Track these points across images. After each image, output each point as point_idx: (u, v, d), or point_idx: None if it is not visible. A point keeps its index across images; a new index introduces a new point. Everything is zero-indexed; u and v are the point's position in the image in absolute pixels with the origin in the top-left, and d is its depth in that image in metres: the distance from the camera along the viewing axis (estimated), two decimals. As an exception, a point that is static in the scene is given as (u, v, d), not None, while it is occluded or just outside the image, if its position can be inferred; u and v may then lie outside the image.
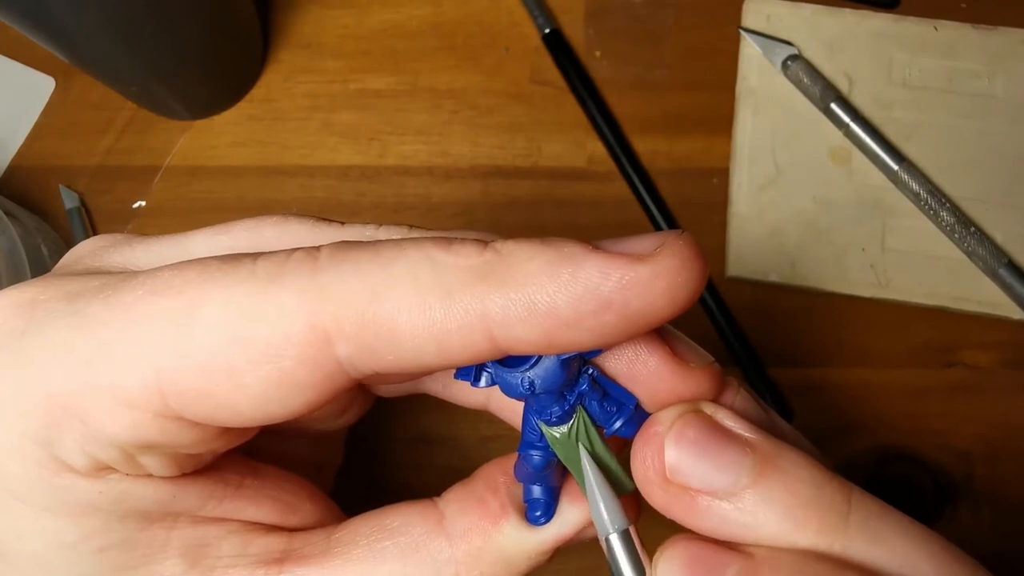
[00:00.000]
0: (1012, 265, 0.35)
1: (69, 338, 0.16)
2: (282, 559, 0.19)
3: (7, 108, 0.38)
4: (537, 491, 0.19)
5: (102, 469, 0.17)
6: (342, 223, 0.20)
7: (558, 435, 0.18)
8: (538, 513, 0.19)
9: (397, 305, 0.15)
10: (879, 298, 0.35)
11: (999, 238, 0.35)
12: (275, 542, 0.20)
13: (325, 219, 0.20)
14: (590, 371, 0.18)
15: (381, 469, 0.34)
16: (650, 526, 0.19)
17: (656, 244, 0.15)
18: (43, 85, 0.38)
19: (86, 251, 0.20)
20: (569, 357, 0.17)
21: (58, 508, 0.17)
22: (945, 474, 0.35)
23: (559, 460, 0.18)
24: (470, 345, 0.15)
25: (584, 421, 0.18)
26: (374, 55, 0.39)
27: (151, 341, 0.16)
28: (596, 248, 0.15)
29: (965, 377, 0.35)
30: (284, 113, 0.38)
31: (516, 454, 0.20)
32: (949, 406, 0.35)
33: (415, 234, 0.19)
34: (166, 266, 0.17)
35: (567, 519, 0.19)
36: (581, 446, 0.18)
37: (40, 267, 0.33)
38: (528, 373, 0.17)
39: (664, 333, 0.18)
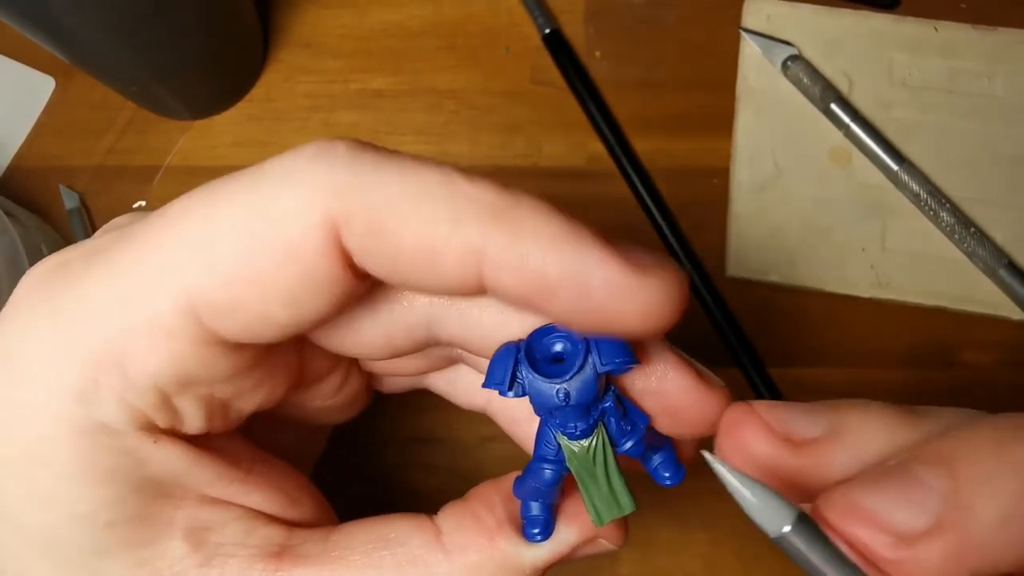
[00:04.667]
0: (1012, 265, 0.35)
1: (96, 287, 0.17)
2: (280, 554, 0.19)
3: (7, 108, 0.38)
4: (536, 508, 0.19)
5: (139, 421, 0.17)
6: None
7: (576, 449, 0.18)
8: (536, 530, 0.19)
9: (408, 216, 0.16)
10: (879, 298, 0.35)
11: (999, 238, 0.35)
12: (275, 534, 0.20)
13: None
14: (613, 389, 0.18)
15: (381, 469, 0.34)
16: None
17: (654, 263, 0.16)
18: (43, 85, 0.38)
19: (123, 223, 0.21)
20: (604, 371, 0.17)
21: (79, 475, 0.17)
22: (945, 474, 0.35)
23: (566, 476, 0.19)
24: (459, 273, 0.16)
25: (603, 437, 0.18)
26: (374, 55, 0.39)
27: (175, 264, 0.16)
28: (602, 239, 0.16)
29: (965, 377, 0.35)
30: (284, 113, 0.38)
31: (508, 475, 0.20)
32: (949, 406, 0.35)
33: None
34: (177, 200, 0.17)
35: (563, 537, 0.20)
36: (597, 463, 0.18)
37: (40, 267, 0.33)
38: (565, 385, 0.17)
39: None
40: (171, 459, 0.18)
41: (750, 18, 0.38)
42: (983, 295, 0.35)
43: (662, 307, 0.16)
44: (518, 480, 0.20)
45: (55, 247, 0.35)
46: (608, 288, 0.15)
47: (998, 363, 0.36)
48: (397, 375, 0.24)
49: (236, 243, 0.16)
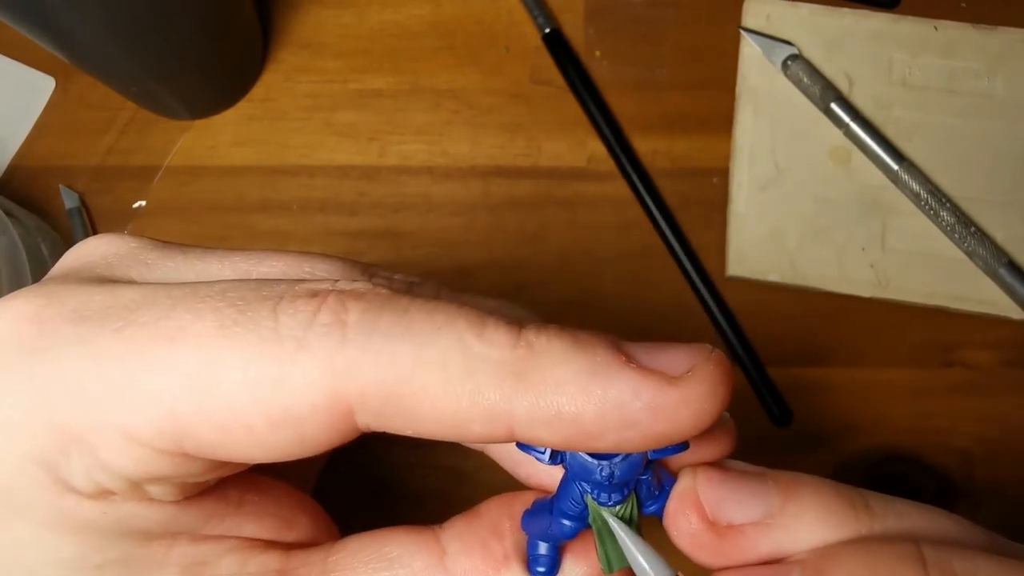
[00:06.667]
0: (1012, 265, 0.35)
1: (79, 370, 0.16)
2: None
3: (7, 108, 0.38)
4: (544, 548, 0.19)
5: (106, 493, 0.17)
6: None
7: (604, 513, 0.18)
8: (542, 569, 0.19)
9: (424, 389, 0.15)
10: (879, 298, 0.35)
11: (999, 238, 0.35)
12: (272, 560, 0.19)
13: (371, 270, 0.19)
14: (652, 461, 0.18)
15: (381, 469, 0.34)
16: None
17: (687, 364, 0.15)
18: (43, 85, 0.38)
19: (96, 258, 0.19)
20: (655, 459, 0.17)
21: (58, 525, 0.17)
22: (945, 474, 0.35)
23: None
24: (488, 434, 0.16)
25: (634, 503, 0.18)
26: (374, 55, 0.39)
27: (167, 388, 0.16)
28: (628, 360, 0.15)
29: (965, 377, 0.35)
30: (284, 113, 0.38)
31: (520, 494, 0.20)
32: (949, 406, 0.35)
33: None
34: (181, 302, 0.16)
35: None
36: (615, 524, 0.18)
37: (40, 267, 0.33)
38: (613, 466, 0.17)
39: None
40: (150, 514, 0.18)
41: (750, 18, 0.38)
42: (983, 295, 0.35)
43: (712, 401, 0.15)
44: (527, 515, 0.19)
45: (55, 247, 0.35)
46: (650, 412, 0.15)
47: (998, 363, 0.36)
48: None
49: (235, 398, 0.16)
